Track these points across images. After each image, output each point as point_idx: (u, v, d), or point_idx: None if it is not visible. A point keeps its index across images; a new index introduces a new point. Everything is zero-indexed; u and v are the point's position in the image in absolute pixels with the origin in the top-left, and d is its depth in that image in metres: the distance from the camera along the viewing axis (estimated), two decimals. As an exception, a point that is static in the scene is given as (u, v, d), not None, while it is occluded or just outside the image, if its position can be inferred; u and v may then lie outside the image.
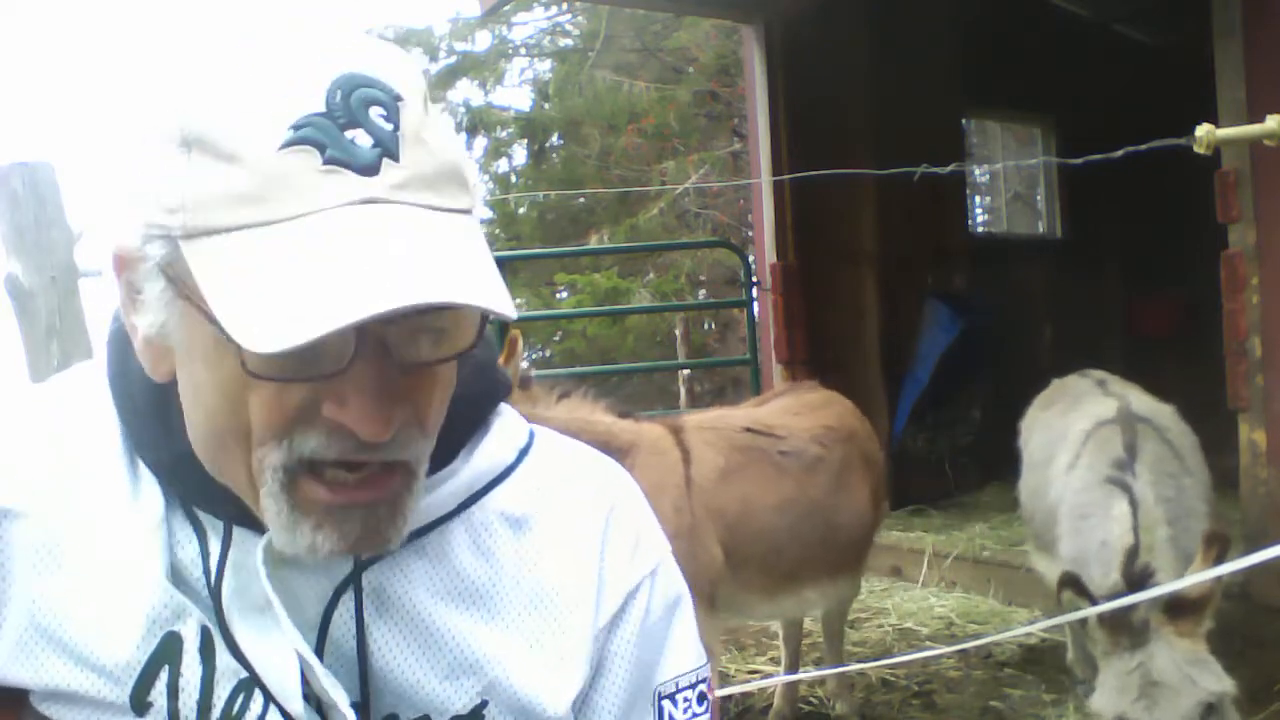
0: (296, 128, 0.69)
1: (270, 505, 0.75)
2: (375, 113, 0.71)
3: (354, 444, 0.73)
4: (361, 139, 0.70)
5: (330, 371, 0.70)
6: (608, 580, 0.90)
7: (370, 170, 0.69)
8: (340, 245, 0.67)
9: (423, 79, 0.78)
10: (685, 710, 0.93)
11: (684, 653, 0.95)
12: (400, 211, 0.70)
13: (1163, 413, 3.20)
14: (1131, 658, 2.40)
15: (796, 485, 3.10)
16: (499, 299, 0.70)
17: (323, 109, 0.69)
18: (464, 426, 0.89)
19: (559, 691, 0.86)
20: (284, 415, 0.72)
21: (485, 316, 0.75)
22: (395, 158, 0.70)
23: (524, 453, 0.93)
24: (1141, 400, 3.23)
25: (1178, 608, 2.40)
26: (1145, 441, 2.90)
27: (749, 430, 3.17)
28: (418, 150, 0.72)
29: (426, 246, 0.69)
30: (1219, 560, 2.40)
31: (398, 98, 0.72)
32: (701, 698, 0.95)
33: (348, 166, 0.69)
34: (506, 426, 0.94)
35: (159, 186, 0.71)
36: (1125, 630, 2.41)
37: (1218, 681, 2.36)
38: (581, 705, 0.90)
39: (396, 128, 0.71)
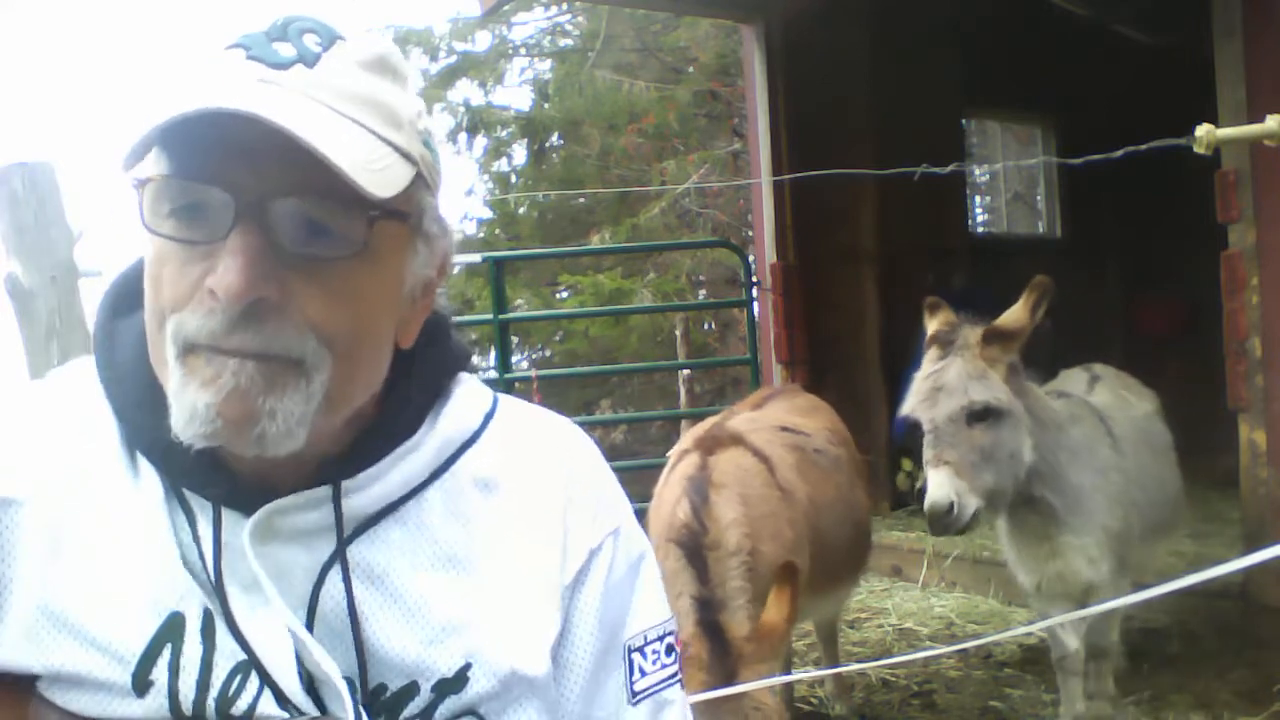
0: (237, 40, 0.81)
1: (171, 376, 0.80)
2: (309, 39, 0.81)
3: (222, 322, 0.77)
4: (285, 50, 0.80)
5: (211, 238, 0.77)
6: (571, 538, 0.94)
7: (280, 66, 0.79)
8: (219, 92, 0.75)
9: (409, 69, 0.87)
10: (654, 661, 0.98)
11: (650, 608, 0.99)
12: (287, 93, 0.78)
13: (1125, 406, 3.31)
14: (932, 366, 2.74)
15: (834, 484, 3.06)
16: (350, 162, 0.75)
17: (264, 30, 0.81)
18: (424, 395, 0.93)
19: (536, 647, 0.90)
20: (180, 288, 0.79)
21: (371, 222, 0.80)
22: (310, 67, 0.80)
23: (489, 417, 0.97)
24: (1108, 395, 3.33)
25: (992, 334, 2.71)
26: (1083, 422, 3.03)
27: (785, 430, 3.10)
28: (339, 72, 0.81)
29: (294, 105, 0.76)
30: (1040, 300, 2.76)
31: (339, 37, 0.81)
32: (669, 649, 0.99)
33: (261, 61, 0.79)
34: (470, 393, 0.97)
35: (142, 108, 0.79)
36: (944, 343, 2.76)
37: (985, 392, 2.64)
38: (554, 661, 0.93)
39: (325, 51, 0.81)
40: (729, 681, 2.14)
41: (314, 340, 0.79)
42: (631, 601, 0.97)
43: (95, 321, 0.92)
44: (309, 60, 0.80)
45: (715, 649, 2.20)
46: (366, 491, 0.87)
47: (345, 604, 0.84)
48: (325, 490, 0.85)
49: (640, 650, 0.97)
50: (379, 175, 0.78)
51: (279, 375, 0.78)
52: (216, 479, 0.83)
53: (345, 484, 0.86)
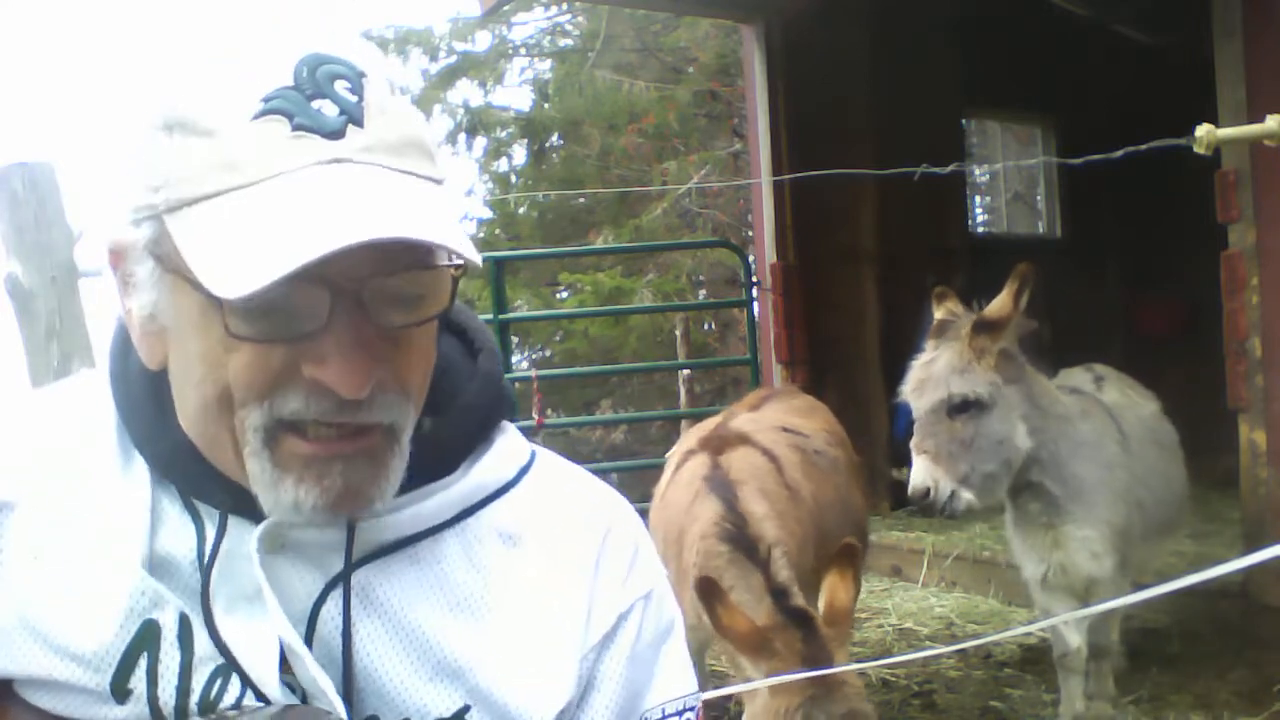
0: (267, 100, 0.73)
1: (254, 465, 0.77)
2: (340, 85, 0.75)
3: (334, 403, 0.75)
4: (328, 108, 0.74)
5: (308, 331, 0.73)
6: (599, 601, 0.90)
7: (336, 135, 0.73)
8: (307, 197, 0.71)
9: (386, 63, 0.82)
10: None
11: (673, 680, 0.95)
12: (364, 169, 0.74)
13: (1133, 406, 3.32)
14: (926, 355, 2.87)
15: (833, 485, 3.06)
16: (457, 241, 0.73)
17: (291, 83, 0.74)
18: (468, 438, 0.91)
19: (541, 704, 0.86)
20: (266, 376, 0.75)
21: (456, 281, 0.78)
22: (360, 125, 0.74)
23: (524, 471, 0.93)
24: (1116, 394, 3.36)
25: (980, 325, 2.80)
26: (1093, 417, 3.07)
27: (785, 430, 3.10)
28: (381, 119, 0.76)
29: (386, 195, 0.73)
30: (1022, 287, 2.83)
31: (361, 74, 0.77)
32: None
33: (315, 132, 0.73)
34: (509, 444, 0.94)
35: (144, 169, 0.75)
36: (941, 331, 2.87)
37: (964, 385, 2.75)
38: None
39: (361, 99, 0.75)
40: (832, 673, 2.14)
41: (406, 403, 0.79)
42: (655, 670, 0.93)
43: (112, 335, 0.90)
44: (356, 116, 0.75)
45: (809, 639, 2.19)
46: (384, 520, 0.84)
47: (342, 627, 0.83)
48: None
49: None
50: (462, 234, 0.75)
51: (382, 457, 0.79)
52: (224, 486, 0.82)
53: None
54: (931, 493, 2.72)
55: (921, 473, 2.74)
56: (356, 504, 0.79)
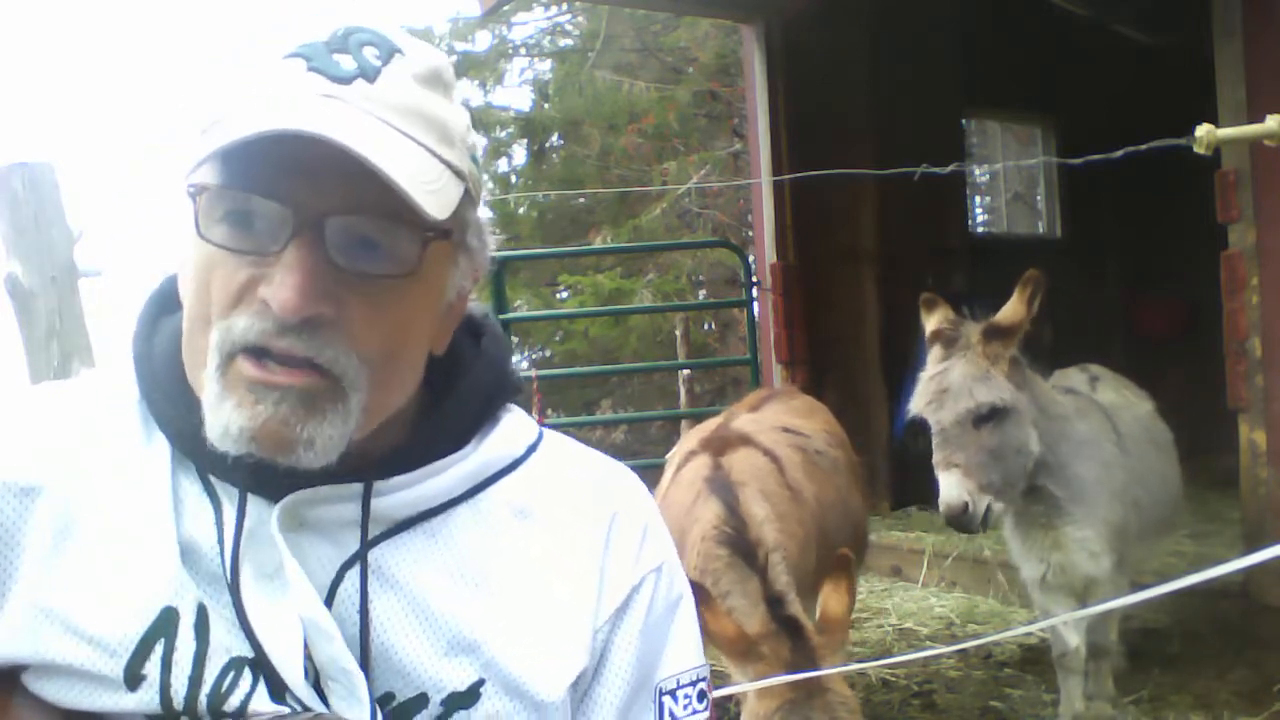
0: (298, 48, 0.81)
1: (208, 386, 0.80)
2: (369, 51, 0.82)
3: (274, 325, 0.77)
4: (346, 62, 0.81)
5: (268, 249, 0.78)
6: (610, 575, 0.92)
7: (341, 80, 0.80)
8: (286, 108, 0.77)
9: (450, 74, 0.87)
10: (686, 707, 0.96)
11: (685, 651, 0.97)
12: (352, 109, 0.78)
13: (1128, 405, 3.33)
14: (936, 367, 2.77)
15: (834, 486, 3.06)
16: (419, 193, 0.77)
17: (324, 39, 0.82)
18: (475, 415, 0.93)
19: (554, 675, 0.88)
20: (230, 293, 0.79)
21: (425, 244, 0.81)
22: (370, 82, 0.80)
23: (532, 449, 0.96)
24: (1112, 393, 3.36)
25: (991, 331, 2.74)
26: (1090, 417, 3.07)
27: (786, 431, 3.10)
28: (399, 87, 0.81)
29: (356, 124, 0.77)
30: (1033, 295, 2.79)
31: (397, 50, 0.82)
32: (701, 695, 0.97)
33: (324, 74, 0.80)
34: (517, 422, 0.98)
35: (201, 115, 0.81)
36: (947, 341, 2.79)
37: (989, 393, 2.68)
38: (583, 698, 0.92)
39: (384, 65, 0.81)
40: (817, 680, 2.12)
41: (355, 359, 0.80)
42: (667, 643, 0.96)
43: (139, 313, 0.93)
44: (369, 74, 0.81)
45: (798, 647, 2.18)
46: (398, 495, 0.87)
47: (359, 604, 0.84)
48: (356, 486, 0.85)
49: (671, 694, 0.95)
50: (435, 196, 0.79)
51: (319, 401, 0.79)
52: (244, 464, 0.83)
53: (377, 484, 0.86)
54: (969, 508, 2.66)
55: (954, 488, 2.68)
56: (281, 444, 0.79)
